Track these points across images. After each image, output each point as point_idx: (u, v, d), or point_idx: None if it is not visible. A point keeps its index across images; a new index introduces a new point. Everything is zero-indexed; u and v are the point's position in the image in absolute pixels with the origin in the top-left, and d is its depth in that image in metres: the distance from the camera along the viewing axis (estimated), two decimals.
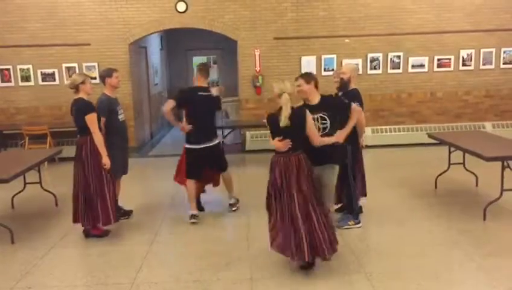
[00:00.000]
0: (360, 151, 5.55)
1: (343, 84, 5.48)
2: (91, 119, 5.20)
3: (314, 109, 4.56)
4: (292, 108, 4.27)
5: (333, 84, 5.71)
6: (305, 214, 4.21)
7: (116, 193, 5.84)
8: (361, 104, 5.31)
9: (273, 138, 4.36)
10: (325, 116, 4.61)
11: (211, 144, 5.87)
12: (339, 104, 4.91)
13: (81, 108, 5.24)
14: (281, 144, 4.26)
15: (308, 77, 4.69)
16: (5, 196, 6.69)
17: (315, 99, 4.68)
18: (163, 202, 6.74)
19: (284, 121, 4.19)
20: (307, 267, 4.39)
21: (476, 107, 10.41)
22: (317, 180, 4.47)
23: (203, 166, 5.91)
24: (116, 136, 5.72)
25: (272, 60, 9.99)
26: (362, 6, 9.93)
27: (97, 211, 5.26)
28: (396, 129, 10.25)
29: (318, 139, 4.40)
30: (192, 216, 5.82)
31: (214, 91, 5.99)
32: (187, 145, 5.92)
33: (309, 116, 4.33)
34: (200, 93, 5.82)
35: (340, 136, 4.64)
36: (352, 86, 5.46)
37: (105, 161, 5.22)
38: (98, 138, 5.21)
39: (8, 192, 6.61)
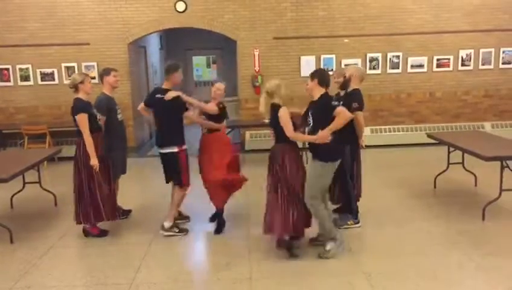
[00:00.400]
0: (358, 152, 5.54)
1: (344, 83, 5.47)
2: (80, 119, 5.18)
3: (310, 106, 4.75)
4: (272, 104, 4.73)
5: (333, 84, 5.69)
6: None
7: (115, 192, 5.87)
8: (361, 106, 5.31)
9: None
10: (311, 114, 4.68)
11: (160, 151, 5.46)
12: (322, 105, 4.70)
13: (74, 108, 5.26)
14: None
15: (313, 74, 4.74)
16: (4, 195, 6.69)
17: (316, 96, 4.70)
18: (162, 202, 6.72)
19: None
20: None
21: (475, 107, 10.42)
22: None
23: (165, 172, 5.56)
24: (115, 136, 5.73)
25: (271, 59, 10.00)
26: (361, 6, 9.94)
27: (87, 209, 5.28)
28: (395, 129, 10.25)
29: (290, 133, 4.60)
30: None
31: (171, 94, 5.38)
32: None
33: (282, 111, 4.62)
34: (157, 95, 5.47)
35: (319, 135, 4.55)
36: (354, 86, 5.44)
37: (94, 162, 5.20)
38: (87, 139, 5.19)
39: (7, 192, 6.61)
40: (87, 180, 5.26)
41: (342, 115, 4.56)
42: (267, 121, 4.91)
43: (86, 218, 5.33)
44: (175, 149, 5.32)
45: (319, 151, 4.66)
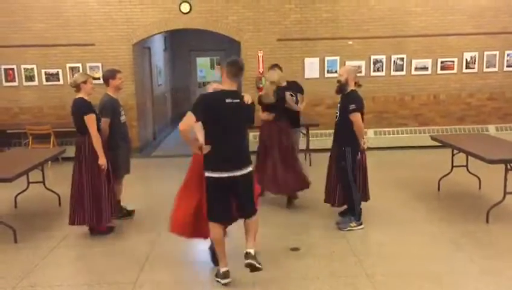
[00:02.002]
0: (361, 154, 5.52)
1: (341, 87, 5.48)
2: (89, 119, 5.22)
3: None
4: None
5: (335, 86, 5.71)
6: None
7: (119, 192, 5.89)
8: (360, 107, 5.31)
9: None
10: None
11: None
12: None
13: (79, 108, 5.28)
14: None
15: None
16: (9, 195, 6.71)
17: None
18: (165, 202, 6.70)
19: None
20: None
21: (479, 110, 10.39)
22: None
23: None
24: (119, 137, 5.75)
25: (275, 61, 9.88)
26: (365, 9, 9.93)
27: (89, 211, 5.30)
28: (399, 131, 10.23)
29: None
30: (225, 274, 4.26)
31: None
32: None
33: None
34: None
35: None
36: (351, 87, 5.45)
37: (102, 161, 5.23)
38: (96, 139, 5.22)
39: (12, 191, 6.63)
40: (90, 183, 5.28)
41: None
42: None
43: (85, 220, 5.36)
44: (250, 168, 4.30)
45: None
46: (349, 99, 5.35)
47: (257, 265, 4.13)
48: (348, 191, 5.48)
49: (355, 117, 5.29)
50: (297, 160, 6.40)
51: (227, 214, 4.23)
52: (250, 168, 4.20)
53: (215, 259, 4.47)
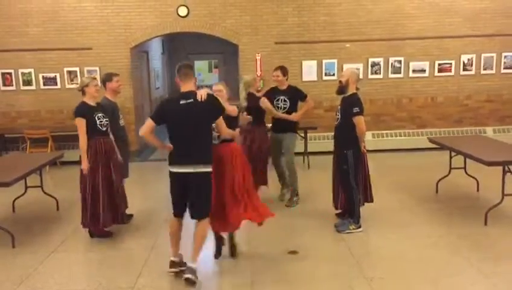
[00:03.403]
0: (362, 157, 5.53)
1: (341, 88, 5.48)
2: (76, 123, 5.27)
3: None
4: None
5: (334, 88, 5.72)
6: None
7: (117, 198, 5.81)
8: (361, 110, 5.31)
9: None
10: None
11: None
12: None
13: (74, 111, 5.35)
14: None
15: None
16: (6, 199, 6.69)
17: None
18: (163, 206, 6.72)
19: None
20: None
21: (476, 112, 10.41)
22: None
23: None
24: (117, 141, 5.75)
25: (273, 64, 9.88)
26: (363, 11, 9.95)
27: (87, 213, 5.33)
28: (397, 134, 10.25)
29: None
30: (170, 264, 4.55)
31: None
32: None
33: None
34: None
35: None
36: (352, 90, 5.45)
37: (84, 165, 5.25)
38: (82, 143, 5.26)
39: (9, 196, 6.61)
40: (89, 186, 5.29)
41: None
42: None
43: (89, 222, 5.38)
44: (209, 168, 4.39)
45: None
46: (352, 102, 5.34)
47: (195, 280, 4.30)
48: (349, 194, 5.48)
49: (359, 120, 5.29)
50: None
51: (178, 207, 4.51)
52: (203, 168, 4.30)
53: (217, 252, 4.89)
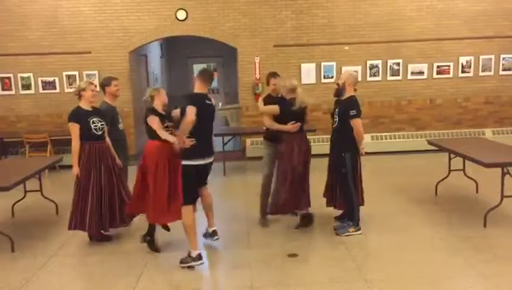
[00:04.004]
0: (358, 160, 5.53)
1: (338, 91, 5.50)
2: (70, 128, 5.27)
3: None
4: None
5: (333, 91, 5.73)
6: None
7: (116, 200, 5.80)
8: (358, 113, 5.31)
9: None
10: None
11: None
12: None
13: (68, 116, 5.35)
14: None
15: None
16: (6, 204, 6.69)
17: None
18: None
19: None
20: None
21: (475, 113, 10.43)
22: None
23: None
24: (117, 145, 5.75)
25: (271, 67, 9.95)
26: (362, 14, 9.98)
27: (76, 216, 5.34)
28: (396, 136, 10.26)
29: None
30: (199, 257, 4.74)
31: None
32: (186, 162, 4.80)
33: None
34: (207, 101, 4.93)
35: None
36: (349, 93, 5.45)
37: (75, 171, 5.26)
38: (74, 148, 5.26)
39: (9, 200, 6.61)
40: (82, 190, 5.31)
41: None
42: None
43: (75, 224, 5.37)
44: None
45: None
46: (349, 104, 5.34)
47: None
48: (348, 197, 5.47)
49: (356, 123, 5.29)
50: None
51: (196, 196, 4.98)
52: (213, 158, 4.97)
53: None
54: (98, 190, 5.35)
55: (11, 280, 4.62)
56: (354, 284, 4.33)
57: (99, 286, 4.49)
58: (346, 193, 5.49)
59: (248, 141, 10.12)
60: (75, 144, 5.26)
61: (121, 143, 5.92)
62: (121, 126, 5.97)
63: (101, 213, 5.35)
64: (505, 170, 5.55)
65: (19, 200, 6.62)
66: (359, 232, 5.49)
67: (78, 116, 5.29)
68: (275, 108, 5.54)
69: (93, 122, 5.32)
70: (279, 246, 5.26)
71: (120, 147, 5.83)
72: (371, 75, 10.12)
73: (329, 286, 4.33)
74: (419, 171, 8.56)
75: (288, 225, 5.89)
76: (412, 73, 10.20)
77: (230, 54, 10.96)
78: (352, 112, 5.27)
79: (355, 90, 5.48)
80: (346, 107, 5.35)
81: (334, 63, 10.04)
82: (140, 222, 6.16)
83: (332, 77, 9.86)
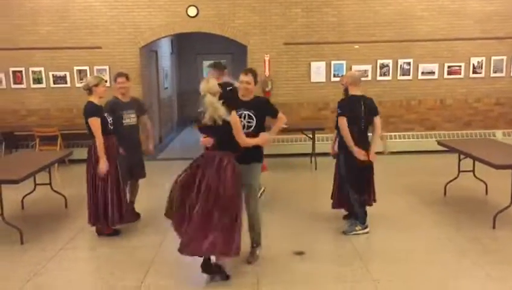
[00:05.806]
0: (353, 159, 5.41)
1: (345, 91, 5.58)
2: (92, 123, 5.26)
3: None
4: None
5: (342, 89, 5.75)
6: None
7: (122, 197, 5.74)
8: (344, 111, 5.29)
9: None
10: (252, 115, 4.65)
11: None
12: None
13: (86, 111, 5.33)
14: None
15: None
16: (16, 196, 6.74)
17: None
18: None
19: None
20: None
21: (486, 114, 10.34)
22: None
23: None
24: (120, 141, 5.68)
25: (281, 65, 10.01)
26: (372, 13, 9.93)
27: (97, 211, 5.39)
28: (405, 136, 10.21)
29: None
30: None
31: None
32: None
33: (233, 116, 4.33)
34: None
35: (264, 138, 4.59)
36: (353, 92, 5.45)
37: (101, 166, 5.25)
38: (99, 142, 5.26)
39: (19, 193, 6.66)
40: (95, 182, 5.33)
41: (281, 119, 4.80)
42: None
43: (95, 219, 5.42)
44: None
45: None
46: (340, 103, 5.42)
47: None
48: (349, 196, 5.49)
49: (341, 120, 5.31)
50: None
51: None
52: None
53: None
54: (118, 182, 5.42)
55: (19, 272, 4.67)
56: (361, 283, 4.32)
57: (107, 279, 4.51)
58: (347, 192, 5.51)
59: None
60: (101, 139, 5.24)
61: (125, 139, 5.78)
62: (126, 122, 5.90)
63: (121, 205, 5.43)
64: None
65: (29, 193, 6.68)
66: (366, 230, 5.47)
67: (98, 111, 5.29)
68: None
69: (107, 117, 5.41)
70: (286, 243, 5.26)
71: (123, 143, 5.72)
72: (381, 75, 10.07)
73: (336, 284, 4.33)
74: (428, 172, 8.52)
75: (296, 222, 5.89)
76: (423, 73, 10.13)
77: (240, 51, 10.95)
78: (338, 111, 5.33)
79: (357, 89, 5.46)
80: (338, 106, 5.41)
81: (344, 62, 10.00)
82: (147, 218, 6.20)
83: (342, 76, 9.82)
